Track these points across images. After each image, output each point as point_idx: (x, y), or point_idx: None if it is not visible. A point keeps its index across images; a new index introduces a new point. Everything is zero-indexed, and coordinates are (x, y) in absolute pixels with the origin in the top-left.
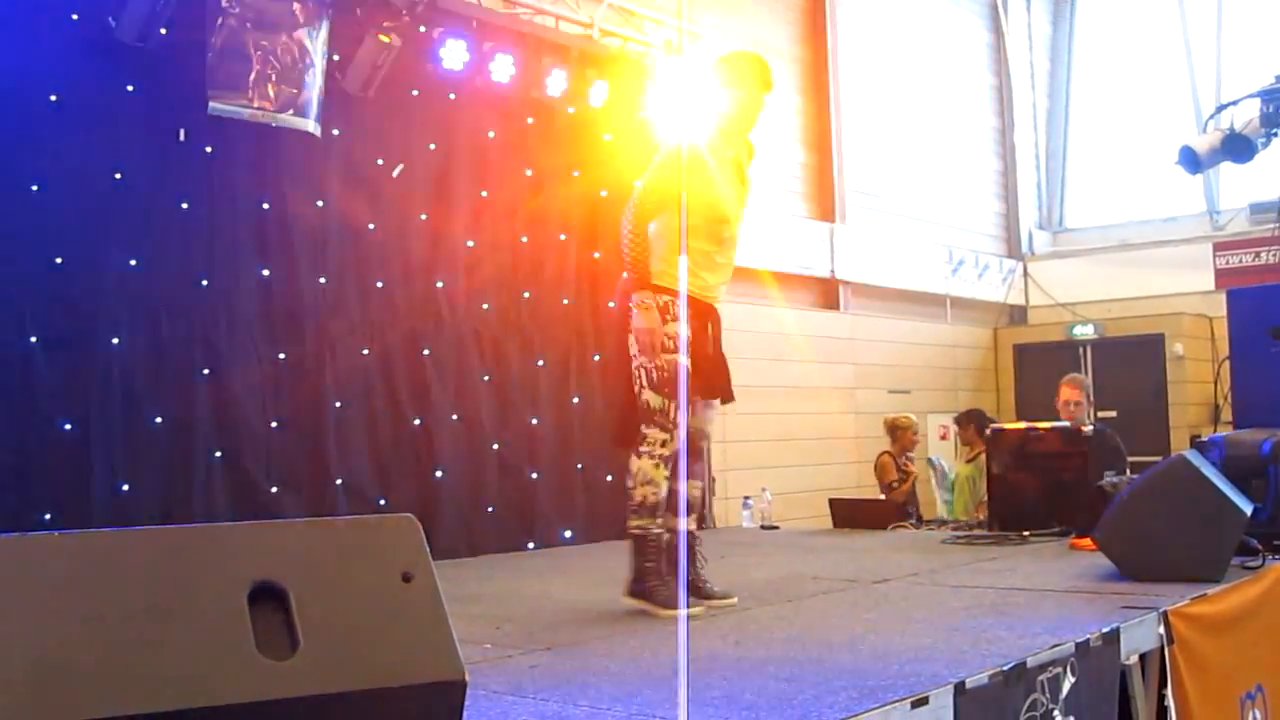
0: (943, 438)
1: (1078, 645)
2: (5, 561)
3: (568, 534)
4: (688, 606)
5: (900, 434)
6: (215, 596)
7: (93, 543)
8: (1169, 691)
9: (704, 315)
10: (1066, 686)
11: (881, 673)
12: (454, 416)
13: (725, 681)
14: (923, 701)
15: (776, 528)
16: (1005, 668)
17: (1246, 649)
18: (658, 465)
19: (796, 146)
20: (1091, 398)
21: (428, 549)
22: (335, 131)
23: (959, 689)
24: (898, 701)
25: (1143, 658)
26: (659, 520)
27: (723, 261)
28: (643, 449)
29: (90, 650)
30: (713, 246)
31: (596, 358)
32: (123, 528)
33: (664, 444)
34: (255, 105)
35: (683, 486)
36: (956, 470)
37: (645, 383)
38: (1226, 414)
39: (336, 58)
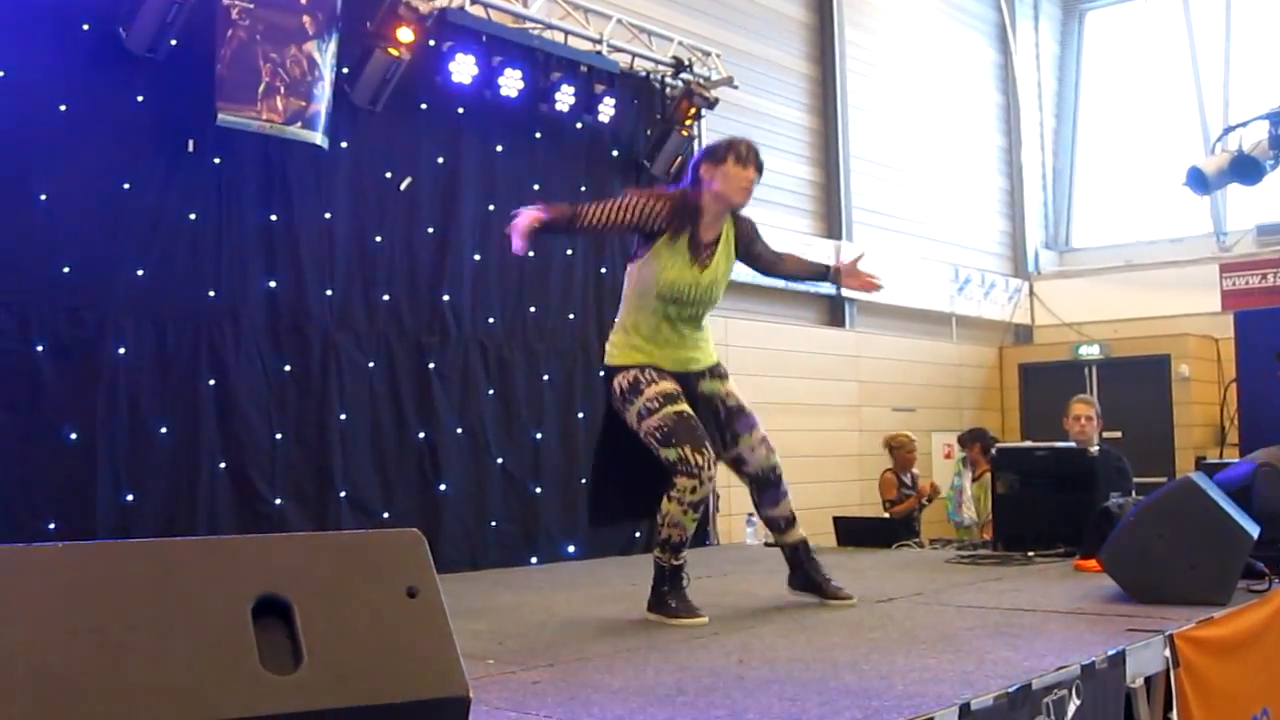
0: (947, 456)
1: (1083, 668)
2: (8, 572)
3: (571, 549)
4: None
5: (896, 452)
6: (218, 609)
7: (96, 554)
8: (1174, 715)
9: (683, 381)
10: (1071, 709)
11: (886, 693)
12: (458, 430)
13: (729, 700)
14: None
15: None
16: (1010, 689)
17: (1253, 673)
18: (685, 511)
19: (803, 164)
20: (1101, 418)
21: (433, 564)
22: (343, 144)
23: (964, 710)
24: None
25: (1148, 681)
26: (680, 557)
27: (675, 341)
28: (673, 494)
29: (92, 662)
30: (664, 325)
31: (602, 373)
32: (126, 539)
33: (693, 490)
34: (264, 117)
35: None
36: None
37: (657, 443)
38: (1233, 436)
39: (345, 70)
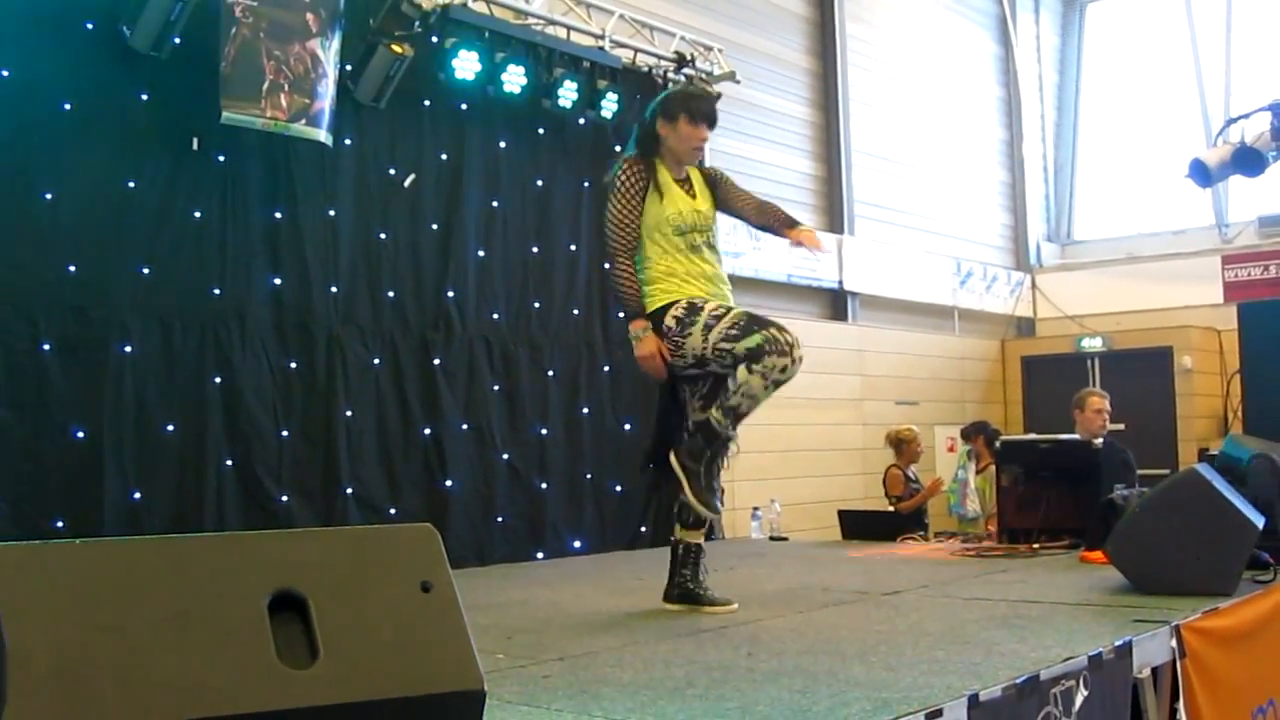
0: (950, 449)
1: (1090, 658)
2: (28, 570)
3: (577, 544)
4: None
5: (906, 447)
6: (235, 605)
7: (113, 551)
8: (1181, 705)
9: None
10: (1079, 700)
11: (895, 684)
12: (464, 426)
13: (739, 693)
14: (937, 714)
15: (785, 539)
16: (1019, 680)
17: (1258, 663)
18: (767, 386)
19: (805, 158)
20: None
21: (446, 559)
22: (347, 141)
23: (973, 701)
24: (912, 713)
25: (1155, 671)
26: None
27: (707, 270)
28: (756, 367)
29: (111, 659)
30: (690, 258)
31: (606, 369)
32: (142, 536)
33: (783, 370)
34: (268, 115)
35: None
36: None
37: (734, 339)
38: (1236, 428)
39: (349, 67)
